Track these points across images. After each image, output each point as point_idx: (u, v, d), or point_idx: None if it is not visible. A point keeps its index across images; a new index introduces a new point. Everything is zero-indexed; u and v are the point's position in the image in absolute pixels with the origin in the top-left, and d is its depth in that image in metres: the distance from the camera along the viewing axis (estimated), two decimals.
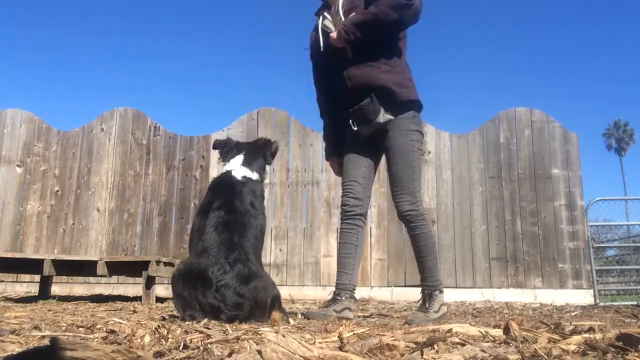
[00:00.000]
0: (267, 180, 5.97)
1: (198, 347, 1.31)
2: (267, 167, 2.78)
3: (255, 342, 1.36)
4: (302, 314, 2.78)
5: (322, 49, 2.88)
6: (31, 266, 4.19)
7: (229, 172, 2.56)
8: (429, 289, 2.80)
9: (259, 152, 2.71)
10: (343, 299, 2.82)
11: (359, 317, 3.03)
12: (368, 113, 2.78)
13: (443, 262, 5.92)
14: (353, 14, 2.78)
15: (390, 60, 2.82)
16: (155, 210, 6.23)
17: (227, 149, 2.71)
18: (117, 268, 4.34)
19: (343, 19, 2.83)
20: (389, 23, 2.70)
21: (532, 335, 1.50)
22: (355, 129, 2.87)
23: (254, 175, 2.58)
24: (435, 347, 1.31)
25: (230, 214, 2.33)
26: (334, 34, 2.79)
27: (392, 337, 1.50)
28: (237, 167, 2.57)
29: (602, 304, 5.61)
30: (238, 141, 2.79)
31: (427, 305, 2.76)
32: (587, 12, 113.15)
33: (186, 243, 5.51)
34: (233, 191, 2.45)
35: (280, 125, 6.41)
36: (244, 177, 2.53)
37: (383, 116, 2.79)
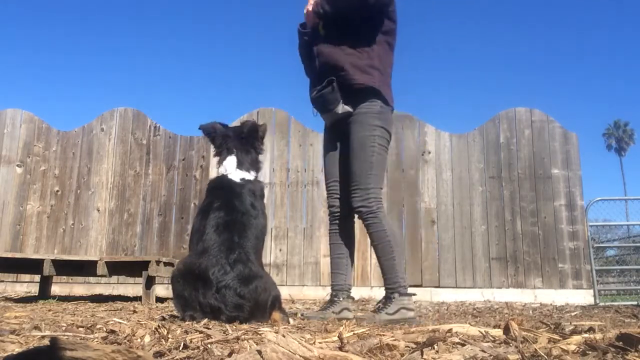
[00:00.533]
0: (267, 180, 6.03)
1: (198, 347, 1.31)
2: (261, 156, 2.70)
3: (255, 342, 1.36)
4: (302, 314, 2.78)
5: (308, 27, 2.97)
6: (31, 266, 4.19)
7: (225, 176, 2.53)
8: (388, 291, 2.70)
9: (249, 145, 2.63)
10: (340, 299, 2.82)
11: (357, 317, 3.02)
12: (327, 102, 2.79)
13: (443, 262, 5.93)
14: None
15: (358, 46, 2.80)
16: (155, 210, 6.23)
17: (217, 141, 2.63)
18: (117, 268, 4.34)
19: None
20: (353, 2, 2.71)
21: (532, 335, 1.50)
22: (316, 115, 2.91)
23: (251, 176, 2.56)
24: (435, 347, 1.31)
25: (230, 214, 2.33)
26: (309, 6, 2.86)
27: (392, 337, 1.50)
28: (233, 171, 2.54)
29: (602, 304, 5.61)
30: (225, 129, 2.68)
31: (383, 307, 2.66)
32: (587, 12, 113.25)
33: (186, 243, 5.51)
34: (232, 192, 2.44)
35: (280, 125, 6.42)
36: (242, 179, 2.52)
37: (342, 107, 2.78)
